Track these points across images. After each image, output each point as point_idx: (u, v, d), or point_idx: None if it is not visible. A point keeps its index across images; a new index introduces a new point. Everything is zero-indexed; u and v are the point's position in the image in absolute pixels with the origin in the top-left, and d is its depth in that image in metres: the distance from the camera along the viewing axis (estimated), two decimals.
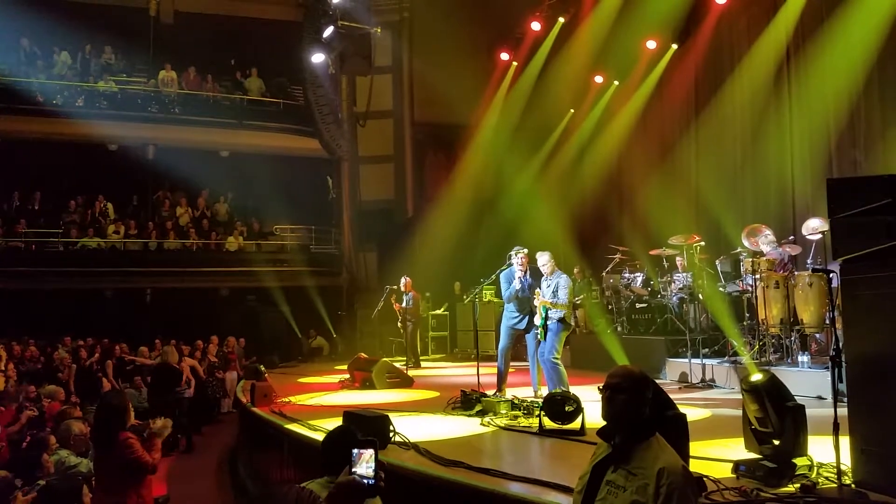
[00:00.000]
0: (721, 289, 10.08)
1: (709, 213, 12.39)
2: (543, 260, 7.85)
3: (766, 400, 4.30)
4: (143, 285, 16.94)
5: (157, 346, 13.99)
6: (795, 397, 4.49)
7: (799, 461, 4.17)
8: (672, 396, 4.60)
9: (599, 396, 2.86)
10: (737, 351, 9.19)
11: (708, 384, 8.86)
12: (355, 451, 2.47)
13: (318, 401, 8.77)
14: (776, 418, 4.25)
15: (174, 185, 18.77)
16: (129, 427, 4.72)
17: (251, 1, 19.17)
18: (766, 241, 9.21)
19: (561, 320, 7.62)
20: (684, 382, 9.11)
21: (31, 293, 15.50)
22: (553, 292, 7.62)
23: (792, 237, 9.75)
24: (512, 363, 8.60)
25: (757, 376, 4.41)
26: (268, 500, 2.13)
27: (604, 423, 2.84)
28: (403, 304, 12.72)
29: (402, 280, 12.79)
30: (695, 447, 4.48)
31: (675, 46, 13.74)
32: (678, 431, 4.00)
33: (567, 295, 7.59)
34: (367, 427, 5.41)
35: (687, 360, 9.28)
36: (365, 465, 2.44)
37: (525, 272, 8.14)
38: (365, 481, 2.42)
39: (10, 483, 5.83)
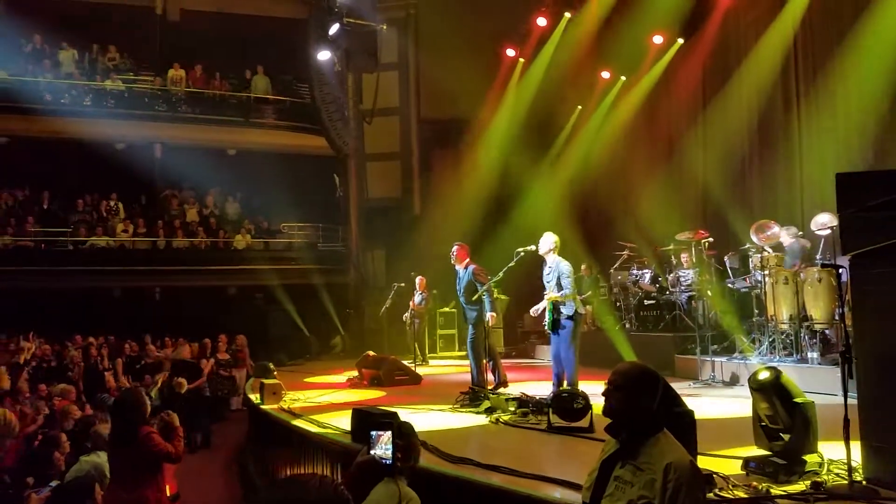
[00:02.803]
0: (730, 285, 10.05)
1: (717, 208, 12.36)
2: (545, 242, 7.67)
3: (775, 397, 4.29)
4: (152, 284, 17.00)
5: (167, 344, 14.07)
6: (805, 394, 4.49)
7: (809, 458, 4.17)
8: (681, 393, 4.60)
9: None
10: (742, 349, 9.15)
11: (717, 381, 8.84)
12: (373, 432, 2.58)
13: (327, 398, 8.79)
14: (785, 415, 4.24)
15: (182, 183, 18.82)
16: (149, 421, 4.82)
17: None
18: (788, 234, 9.07)
19: (571, 317, 7.51)
20: (693, 379, 9.09)
21: (40, 292, 15.56)
22: (556, 283, 7.51)
23: (801, 233, 9.70)
24: (518, 359, 8.67)
25: (764, 374, 4.40)
26: (290, 486, 2.18)
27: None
28: (417, 302, 12.74)
29: (417, 279, 12.82)
30: (704, 444, 4.47)
31: (680, 41, 13.68)
32: (686, 428, 3.99)
33: (570, 282, 7.49)
34: None
35: (696, 357, 9.26)
36: (383, 446, 2.56)
37: (464, 266, 8.60)
38: (383, 461, 2.54)
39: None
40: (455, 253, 8.79)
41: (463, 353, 14.74)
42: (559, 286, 7.43)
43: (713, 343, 9.33)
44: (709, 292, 9.89)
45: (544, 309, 7.58)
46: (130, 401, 4.91)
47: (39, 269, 15.72)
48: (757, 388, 4.42)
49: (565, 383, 7.44)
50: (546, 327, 7.74)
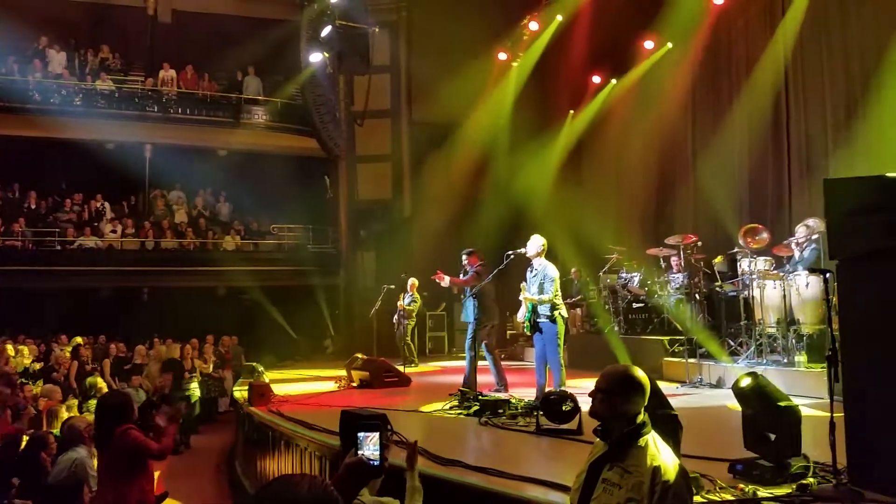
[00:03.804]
0: (718, 289, 10.10)
1: (706, 212, 12.42)
2: (532, 246, 7.73)
3: (758, 402, 4.33)
4: (140, 284, 16.93)
5: (155, 345, 14.01)
6: (791, 397, 4.52)
7: (795, 461, 4.19)
8: (668, 395, 4.62)
9: None
10: (715, 355, 9.21)
11: (705, 383, 8.88)
12: (361, 434, 2.59)
13: (316, 400, 8.77)
14: (770, 419, 4.27)
15: (171, 184, 18.76)
16: (133, 422, 4.79)
17: (249, 0, 19.15)
18: (804, 232, 8.94)
19: (552, 318, 7.56)
20: (681, 381, 9.13)
21: (27, 292, 15.47)
22: (539, 286, 7.55)
23: (792, 238, 9.72)
24: (507, 362, 8.80)
25: (746, 380, 4.43)
26: (281, 486, 2.19)
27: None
28: (406, 303, 12.75)
29: (409, 281, 12.88)
30: (692, 446, 4.49)
31: (669, 45, 13.76)
32: (671, 430, 4.01)
33: (553, 287, 7.53)
34: None
35: (684, 360, 9.30)
36: (371, 446, 2.57)
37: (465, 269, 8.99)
38: (371, 462, 2.54)
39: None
40: (466, 262, 9.07)
41: (452, 356, 14.85)
42: (540, 289, 7.49)
43: (701, 346, 9.38)
44: (696, 296, 9.93)
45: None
46: (111, 402, 4.91)
47: (27, 270, 15.63)
48: (740, 393, 4.45)
49: (552, 387, 7.49)
50: (525, 329, 7.83)
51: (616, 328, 11.64)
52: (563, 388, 7.06)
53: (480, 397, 7.30)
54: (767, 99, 11.68)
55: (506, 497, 4.25)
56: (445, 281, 9.23)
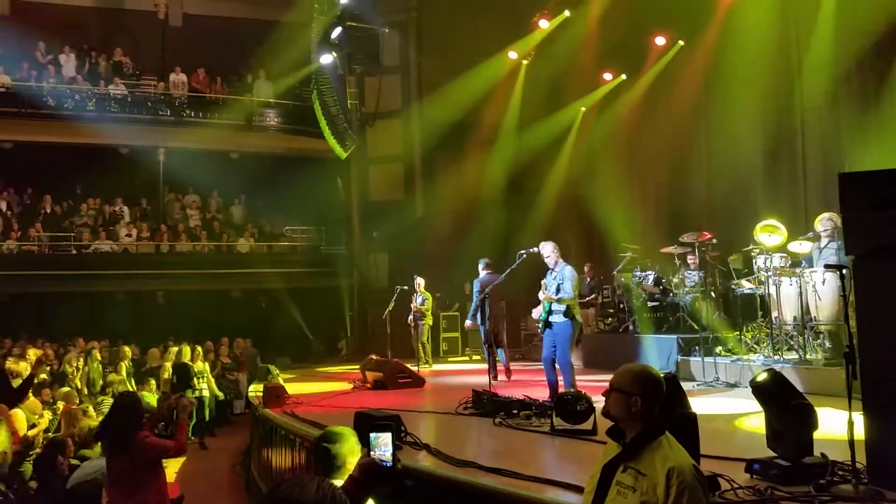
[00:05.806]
0: (734, 286, 10.03)
1: (721, 209, 12.32)
2: (547, 251, 7.78)
3: (775, 399, 4.28)
4: (155, 288, 17.03)
5: (168, 348, 14.06)
6: (809, 395, 4.46)
7: (813, 459, 4.14)
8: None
9: None
10: (731, 350, 9.16)
11: (721, 382, 8.80)
12: (373, 434, 2.55)
13: (330, 401, 8.78)
14: (787, 417, 4.22)
15: (185, 187, 18.86)
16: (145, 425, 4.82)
17: (259, 3, 19.20)
18: (820, 228, 8.77)
19: (569, 317, 7.55)
20: (697, 380, 9.06)
21: (44, 296, 15.59)
22: (558, 287, 7.55)
23: (811, 234, 9.59)
24: (523, 362, 8.87)
25: (763, 376, 4.39)
26: (290, 488, 2.20)
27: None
28: (419, 303, 12.74)
29: (416, 281, 12.87)
30: (708, 446, 4.44)
31: (681, 43, 13.68)
32: (687, 430, 3.96)
33: (572, 288, 7.54)
34: None
35: (700, 359, 9.23)
36: (382, 447, 2.53)
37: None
38: (383, 463, 2.52)
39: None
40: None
41: (466, 357, 14.83)
42: (558, 289, 7.49)
43: (717, 344, 9.31)
44: (712, 293, 9.86)
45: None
46: (125, 406, 4.91)
47: (43, 274, 15.76)
48: (757, 390, 4.40)
49: (562, 387, 7.47)
50: (539, 329, 7.82)
51: (630, 327, 11.56)
52: (575, 389, 7.03)
53: (494, 398, 7.27)
54: (781, 93, 11.57)
55: (520, 498, 4.22)
56: (468, 322, 10.26)
